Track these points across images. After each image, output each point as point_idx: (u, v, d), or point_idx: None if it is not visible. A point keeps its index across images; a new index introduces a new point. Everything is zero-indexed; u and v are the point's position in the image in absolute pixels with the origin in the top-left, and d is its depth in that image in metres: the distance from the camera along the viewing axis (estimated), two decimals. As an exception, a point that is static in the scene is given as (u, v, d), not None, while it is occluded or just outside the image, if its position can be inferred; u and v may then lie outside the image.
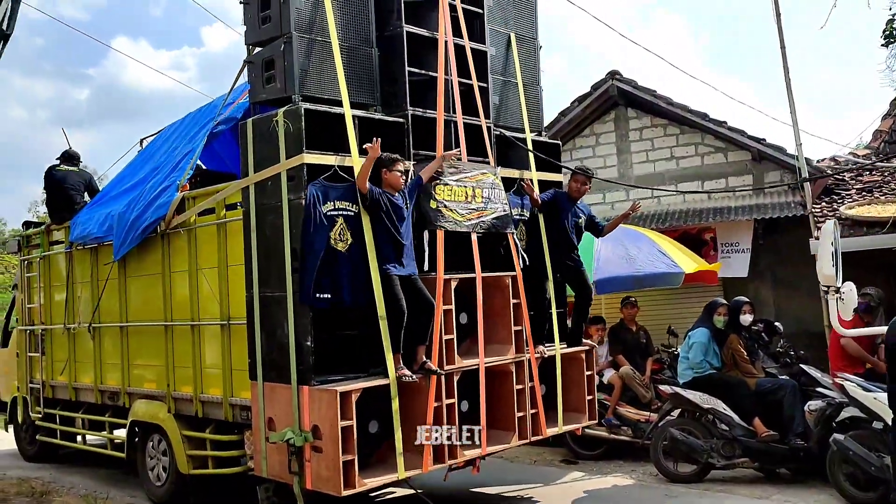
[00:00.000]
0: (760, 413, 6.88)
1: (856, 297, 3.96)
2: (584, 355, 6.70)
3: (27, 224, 9.59)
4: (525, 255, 6.25)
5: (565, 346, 6.61)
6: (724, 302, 7.60)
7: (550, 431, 6.30)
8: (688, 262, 8.50)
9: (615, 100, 11.16)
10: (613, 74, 10.97)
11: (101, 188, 8.86)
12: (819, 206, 9.76)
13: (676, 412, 7.37)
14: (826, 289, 3.95)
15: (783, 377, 7.14)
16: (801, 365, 7.23)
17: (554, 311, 6.49)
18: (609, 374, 8.31)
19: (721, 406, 7.00)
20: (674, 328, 8.84)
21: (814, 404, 6.65)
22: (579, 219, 6.72)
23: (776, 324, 7.77)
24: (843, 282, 3.96)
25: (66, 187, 8.41)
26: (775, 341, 7.69)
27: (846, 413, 6.37)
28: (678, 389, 7.28)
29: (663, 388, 7.67)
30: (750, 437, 6.84)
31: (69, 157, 8.76)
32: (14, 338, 9.66)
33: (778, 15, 9.38)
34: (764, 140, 10.20)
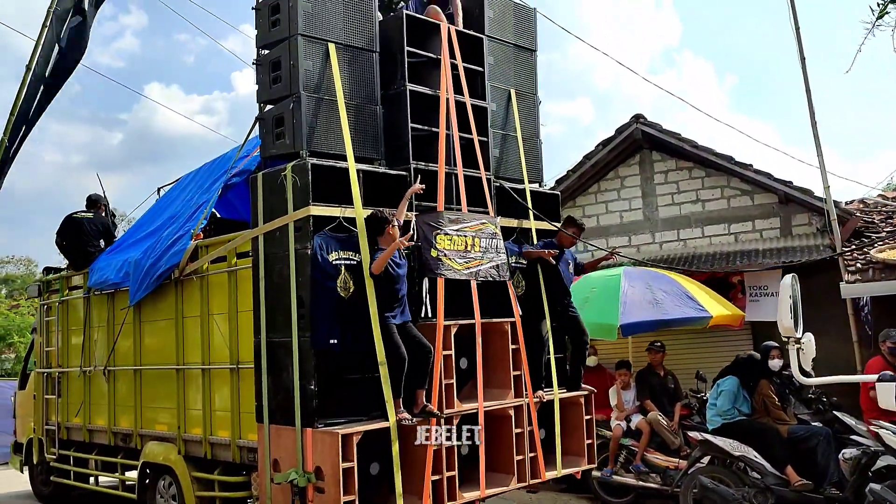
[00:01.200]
0: (793, 461, 6.77)
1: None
2: (582, 400, 6.85)
3: (47, 270, 9.92)
4: (519, 303, 6.44)
5: (564, 390, 6.78)
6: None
7: (549, 475, 6.43)
8: (715, 305, 8.50)
9: (640, 143, 11.18)
10: (638, 118, 11.01)
11: (120, 231, 9.22)
12: (849, 248, 9.59)
13: (706, 459, 7.26)
14: (787, 339, 4.14)
15: (816, 424, 7.06)
16: (835, 412, 7.13)
17: (552, 356, 6.67)
18: (637, 420, 8.28)
19: (752, 453, 6.90)
20: (702, 373, 8.72)
21: (848, 452, 6.46)
22: (569, 266, 6.93)
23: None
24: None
25: (80, 234, 8.70)
26: (807, 387, 7.53)
27: (882, 462, 6.18)
28: (708, 436, 7.18)
29: (692, 434, 7.56)
30: (783, 486, 6.73)
31: (90, 202, 9.13)
32: (32, 380, 9.93)
33: (802, 59, 9.36)
34: (791, 183, 10.14)
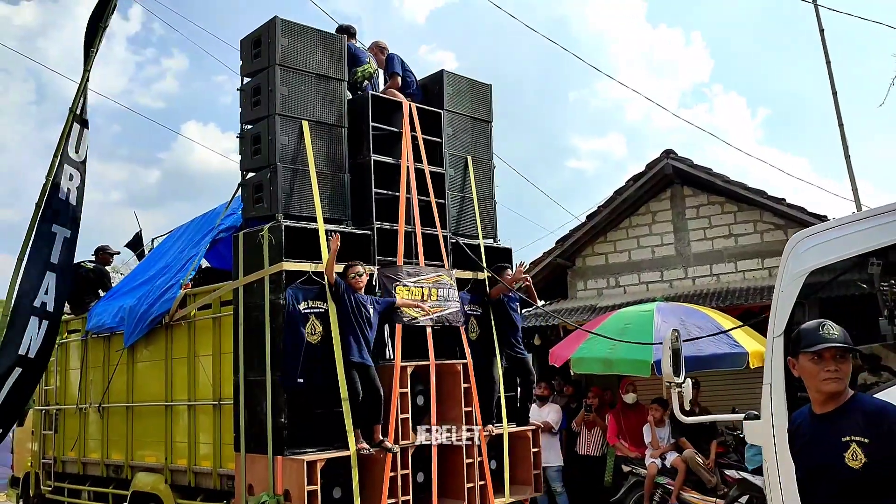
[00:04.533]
0: None
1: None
2: (530, 434, 7.60)
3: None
4: (470, 348, 7.23)
5: (514, 425, 7.54)
6: None
7: (498, 501, 7.15)
8: (750, 341, 8.29)
9: (671, 178, 11.27)
10: (668, 153, 11.11)
11: (116, 278, 10.05)
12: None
13: (744, 498, 7.19)
14: (669, 384, 4.85)
15: None
16: None
17: (502, 394, 7.43)
18: (672, 458, 8.31)
19: None
20: (738, 409, 8.48)
21: None
22: (515, 307, 7.72)
23: None
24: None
25: (80, 282, 9.52)
26: None
27: None
28: (746, 475, 7.20)
29: (730, 472, 7.55)
30: None
31: (97, 252, 10.00)
32: (30, 417, 10.62)
33: (834, 93, 9.46)
34: (825, 216, 9.91)
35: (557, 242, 12.74)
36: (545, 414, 9.83)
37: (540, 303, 13.34)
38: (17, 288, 7.57)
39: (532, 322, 11.71)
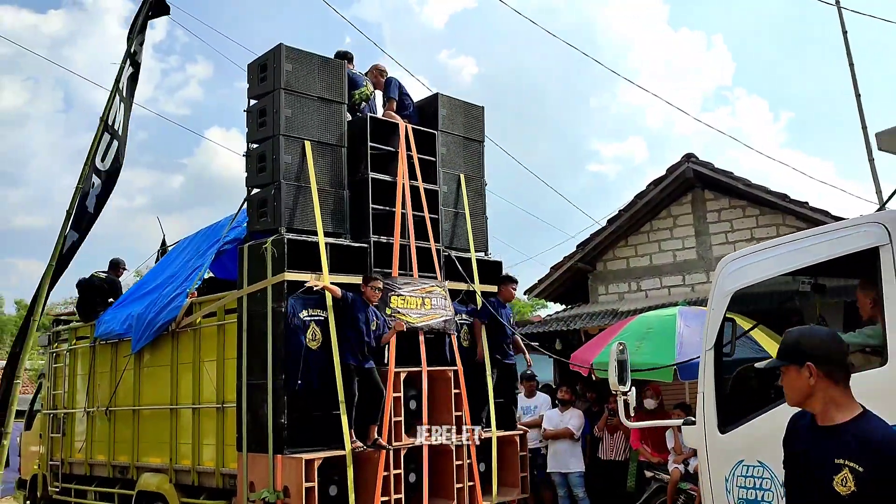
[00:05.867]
0: None
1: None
2: (518, 438, 8.00)
3: (57, 321, 11.09)
4: (462, 355, 7.64)
5: (502, 430, 7.93)
6: None
7: (485, 501, 7.53)
8: (774, 347, 8.39)
9: (692, 182, 11.29)
10: (689, 157, 11.13)
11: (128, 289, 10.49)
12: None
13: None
14: (615, 392, 5.25)
15: None
16: None
17: (491, 400, 7.83)
18: (695, 463, 8.11)
19: None
20: None
21: None
22: (510, 319, 8.13)
23: None
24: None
25: (93, 292, 9.94)
26: None
27: None
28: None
29: None
30: None
31: (111, 265, 10.45)
32: (37, 421, 11.00)
33: (857, 95, 9.32)
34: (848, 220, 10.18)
35: (578, 247, 12.70)
36: (567, 419, 9.80)
37: (560, 307, 13.52)
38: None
39: (553, 326, 11.80)
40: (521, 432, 8.12)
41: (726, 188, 11.14)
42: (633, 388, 5.16)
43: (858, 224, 4.04)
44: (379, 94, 8.46)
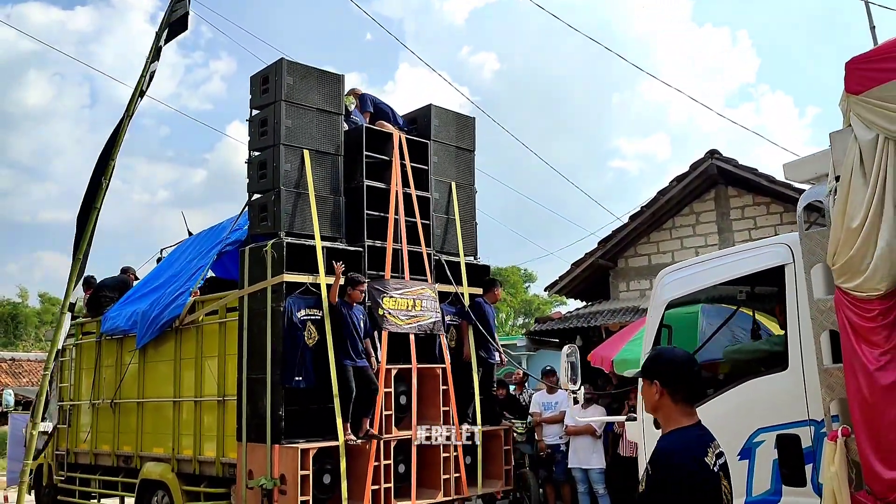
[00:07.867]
0: None
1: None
2: (502, 433, 8.44)
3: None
4: (450, 354, 8.07)
5: (488, 425, 8.36)
6: None
7: (471, 492, 7.97)
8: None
9: (715, 178, 11.15)
10: (712, 154, 11.05)
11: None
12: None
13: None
14: (566, 390, 5.67)
15: None
16: None
17: (477, 396, 8.26)
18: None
19: None
20: None
21: None
22: (492, 315, 8.57)
23: None
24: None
25: (105, 293, 10.39)
26: None
27: None
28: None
29: None
30: None
31: (122, 271, 10.87)
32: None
33: None
34: None
35: (600, 243, 12.59)
36: (589, 415, 9.60)
37: (580, 304, 13.65)
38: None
39: (574, 323, 11.95)
40: (506, 427, 8.55)
41: (750, 185, 11.05)
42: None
43: (770, 245, 4.44)
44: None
